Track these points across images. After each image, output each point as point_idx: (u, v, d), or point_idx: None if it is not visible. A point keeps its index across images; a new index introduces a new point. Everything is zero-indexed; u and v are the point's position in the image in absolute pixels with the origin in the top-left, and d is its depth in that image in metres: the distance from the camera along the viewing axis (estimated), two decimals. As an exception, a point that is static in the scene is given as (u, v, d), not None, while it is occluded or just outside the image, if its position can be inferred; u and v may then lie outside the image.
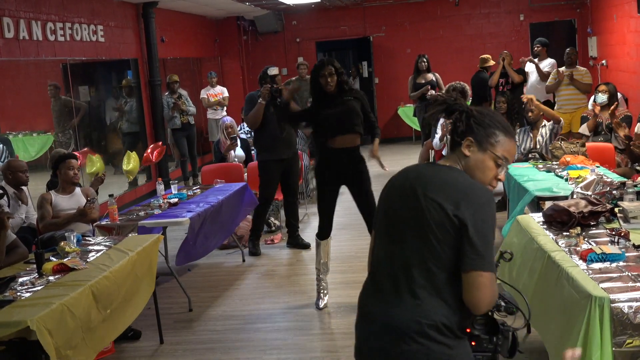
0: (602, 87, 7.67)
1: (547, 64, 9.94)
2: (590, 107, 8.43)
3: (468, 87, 9.52)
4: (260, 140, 7.08)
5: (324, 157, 5.33)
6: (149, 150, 8.85)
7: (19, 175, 5.83)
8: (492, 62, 10.41)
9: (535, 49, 10.24)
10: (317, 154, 5.52)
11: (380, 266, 2.43)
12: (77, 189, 5.72)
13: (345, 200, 5.69)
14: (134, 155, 8.85)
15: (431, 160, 10.13)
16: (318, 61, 5.36)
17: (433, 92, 10.41)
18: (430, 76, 10.63)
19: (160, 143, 9.19)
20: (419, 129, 11.51)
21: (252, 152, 8.78)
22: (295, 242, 7.22)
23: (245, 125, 9.62)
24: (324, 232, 5.41)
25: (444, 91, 9.97)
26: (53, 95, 8.74)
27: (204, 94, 11.92)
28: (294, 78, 11.27)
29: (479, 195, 2.30)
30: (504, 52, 9.86)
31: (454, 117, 2.46)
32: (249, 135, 9.37)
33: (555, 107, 9.42)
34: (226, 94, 12.06)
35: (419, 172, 2.47)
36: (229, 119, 8.53)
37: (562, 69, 9.52)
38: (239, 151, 8.41)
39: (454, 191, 2.30)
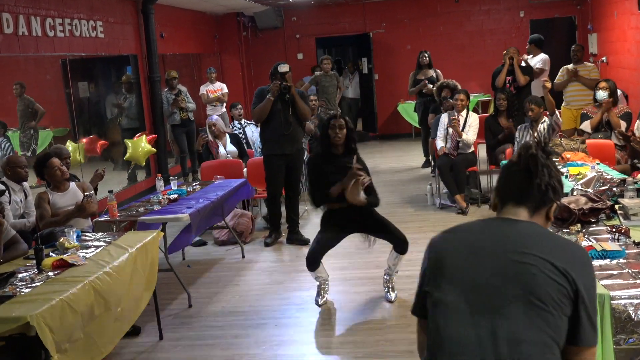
0: (603, 84, 7.67)
1: (538, 60, 9.88)
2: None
3: (459, 85, 9.54)
4: (264, 134, 7.18)
5: (329, 212, 5.27)
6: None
7: (18, 171, 5.82)
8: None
9: (527, 47, 10.17)
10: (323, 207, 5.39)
11: (465, 347, 1.93)
12: (72, 184, 5.70)
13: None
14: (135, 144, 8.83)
15: (430, 157, 10.14)
16: (332, 112, 5.34)
17: (430, 86, 10.34)
18: (431, 72, 10.61)
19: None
20: (418, 126, 11.49)
21: (246, 147, 8.79)
22: (295, 238, 7.23)
23: (236, 122, 9.64)
24: (314, 260, 5.22)
25: (434, 87, 9.96)
26: (18, 94, 8.59)
27: (203, 90, 11.91)
28: (317, 72, 11.17)
29: (583, 255, 2.04)
30: (510, 50, 9.58)
31: (547, 174, 2.13)
32: (240, 131, 9.37)
33: (562, 104, 9.39)
34: (225, 90, 12.06)
35: (494, 228, 2.13)
36: (214, 117, 8.55)
37: (570, 66, 9.48)
38: (229, 147, 8.40)
39: (560, 250, 1.99)
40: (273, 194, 7.14)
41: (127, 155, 8.21)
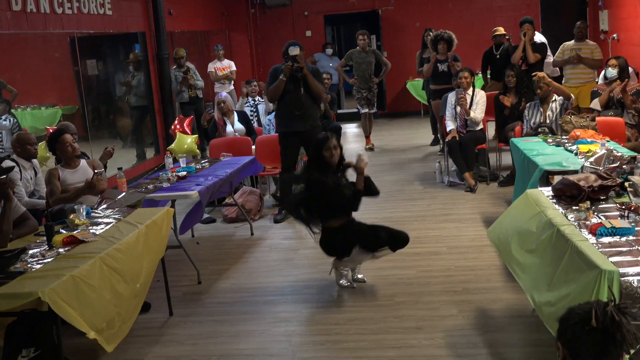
0: (613, 62, 7.60)
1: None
2: (600, 81, 8.34)
3: (455, 36, 9.45)
4: (278, 112, 7.31)
5: (327, 234, 5.14)
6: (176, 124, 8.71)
7: (28, 148, 5.84)
8: (501, 32, 10.14)
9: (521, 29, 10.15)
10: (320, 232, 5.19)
11: None
12: (82, 161, 5.70)
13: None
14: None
15: (439, 135, 10.10)
16: (321, 135, 5.22)
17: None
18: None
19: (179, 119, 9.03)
20: (427, 103, 11.42)
21: (257, 124, 8.78)
22: None
23: (250, 99, 9.61)
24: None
25: (429, 40, 9.84)
26: None
27: (211, 67, 11.87)
28: (356, 48, 10.64)
29: None
30: (525, 26, 9.48)
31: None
32: (253, 108, 9.35)
33: (562, 82, 9.32)
34: (234, 67, 12.02)
35: None
36: (223, 94, 8.53)
37: (571, 42, 9.39)
38: (237, 125, 8.38)
39: None
40: (286, 168, 7.21)
41: (171, 145, 8.23)
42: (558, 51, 9.50)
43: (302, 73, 6.92)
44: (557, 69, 9.80)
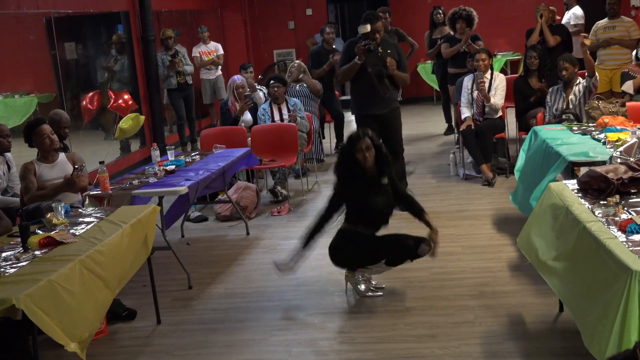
0: (646, 41, 7.58)
1: (567, 16, 9.75)
2: (633, 62, 8.30)
3: (475, 13, 9.36)
4: (355, 93, 7.19)
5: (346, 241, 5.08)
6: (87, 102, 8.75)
7: (1, 141, 5.83)
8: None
9: None
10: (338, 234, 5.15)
11: None
12: (61, 155, 5.68)
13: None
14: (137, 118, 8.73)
15: (454, 123, 10.06)
16: (352, 133, 5.07)
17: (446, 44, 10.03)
18: (447, 30, 10.37)
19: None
20: (438, 89, 11.38)
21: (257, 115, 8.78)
22: None
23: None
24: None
25: (446, 18, 9.75)
26: None
27: (195, 52, 11.69)
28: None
29: None
30: (540, 6, 9.41)
31: None
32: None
33: (595, 63, 9.28)
34: (221, 51, 11.87)
35: None
36: (239, 78, 8.47)
37: (604, 21, 9.34)
38: (247, 115, 8.36)
39: None
40: None
41: (117, 134, 8.24)
42: (591, 32, 9.44)
43: (377, 49, 6.68)
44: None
